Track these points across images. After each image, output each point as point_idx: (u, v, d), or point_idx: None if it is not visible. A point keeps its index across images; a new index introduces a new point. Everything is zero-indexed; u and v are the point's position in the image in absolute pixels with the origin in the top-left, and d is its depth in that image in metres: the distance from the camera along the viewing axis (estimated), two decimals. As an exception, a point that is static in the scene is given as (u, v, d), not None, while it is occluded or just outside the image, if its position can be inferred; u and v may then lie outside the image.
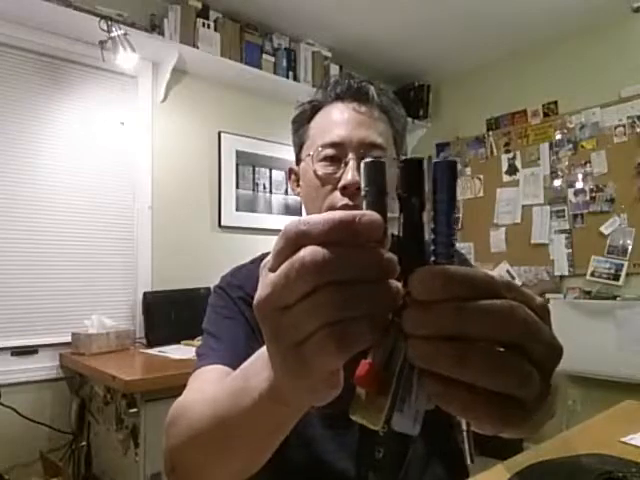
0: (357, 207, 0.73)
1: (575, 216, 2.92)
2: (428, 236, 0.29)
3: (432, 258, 0.28)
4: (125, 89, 2.40)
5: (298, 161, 0.87)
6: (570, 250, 2.93)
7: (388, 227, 0.28)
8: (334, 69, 3.07)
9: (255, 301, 0.29)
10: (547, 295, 2.96)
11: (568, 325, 2.75)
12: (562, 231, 2.97)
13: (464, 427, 0.29)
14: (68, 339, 2.05)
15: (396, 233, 0.30)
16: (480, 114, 3.38)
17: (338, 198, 0.75)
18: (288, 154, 2.40)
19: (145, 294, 2.29)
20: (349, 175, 0.73)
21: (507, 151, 3.26)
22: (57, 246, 2.13)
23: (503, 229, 3.23)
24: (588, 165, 2.88)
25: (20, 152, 2.07)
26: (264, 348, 0.35)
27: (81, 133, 2.24)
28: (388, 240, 0.28)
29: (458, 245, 3.31)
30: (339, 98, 0.80)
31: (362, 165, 0.30)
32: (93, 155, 2.27)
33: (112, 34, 2.06)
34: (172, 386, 1.47)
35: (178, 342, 2.14)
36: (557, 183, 3.02)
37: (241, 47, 2.67)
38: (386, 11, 2.72)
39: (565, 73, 2.99)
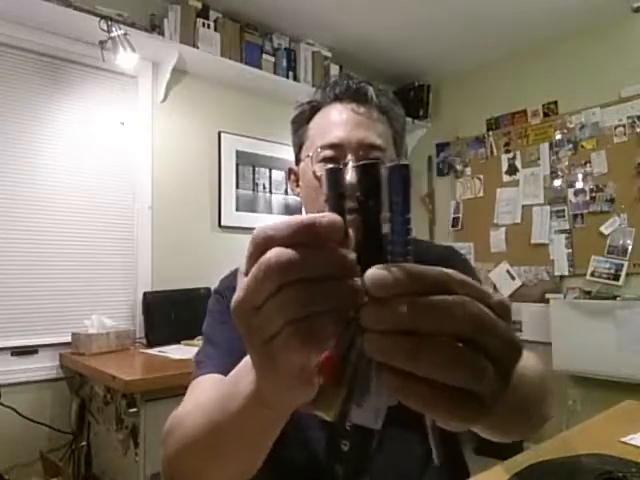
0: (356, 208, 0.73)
1: (575, 216, 2.92)
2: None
3: (389, 257, 0.29)
4: (125, 89, 2.40)
5: (297, 161, 0.87)
6: (570, 250, 2.93)
7: (349, 228, 0.30)
8: (334, 69, 3.07)
9: (231, 305, 0.30)
10: (547, 295, 2.96)
11: (568, 325, 2.75)
12: (562, 231, 2.97)
13: (428, 424, 0.30)
14: (68, 339, 2.05)
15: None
16: (480, 114, 3.38)
17: None
18: (288, 154, 2.40)
19: (145, 294, 2.29)
20: (348, 177, 0.74)
21: (507, 151, 3.26)
22: (57, 246, 2.13)
23: (503, 229, 3.23)
24: (588, 165, 2.88)
25: (20, 152, 2.07)
26: None
27: (81, 133, 2.24)
28: (350, 240, 0.30)
29: (458, 245, 3.32)
30: (338, 99, 0.80)
31: (324, 172, 0.32)
32: (93, 155, 2.27)
33: (112, 34, 2.06)
34: (172, 386, 1.47)
35: (178, 342, 2.14)
36: (557, 183, 3.02)
37: (241, 47, 2.67)
38: (386, 11, 2.72)
39: (565, 73, 2.99)
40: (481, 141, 3.39)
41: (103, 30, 2.06)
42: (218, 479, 0.51)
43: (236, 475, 0.50)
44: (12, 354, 1.99)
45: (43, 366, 2.05)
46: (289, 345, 0.28)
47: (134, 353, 2.07)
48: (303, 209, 0.85)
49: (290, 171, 0.89)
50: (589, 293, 2.80)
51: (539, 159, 3.10)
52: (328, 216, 0.28)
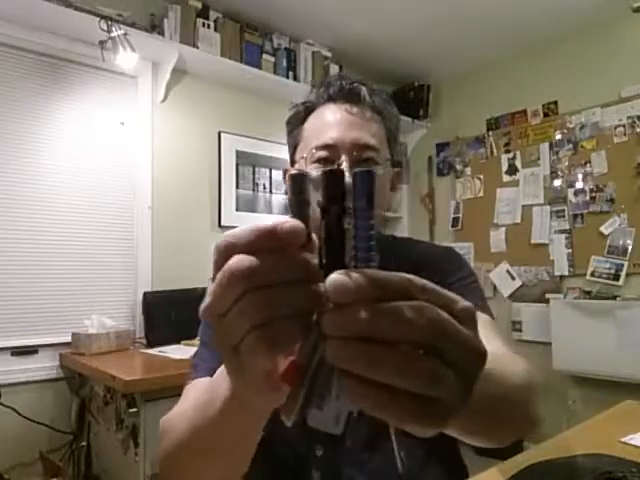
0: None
1: (575, 216, 2.92)
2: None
3: (353, 262, 0.29)
4: (125, 89, 2.40)
5: (292, 162, 0.87)
6: (570, 250, 2.93)
7: (312, 233, 0.30)
8: (334, 69, 3.07)
9: (200, 312, 0.31)
10: (547, 295, 2.96)
11: (568, 325, 2.75)
12: (562, 231, 2.97)
13: (391, 430, 0.30)
14: (68, 339, 2.05)
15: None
16: (480, 114, 3.38)
17: None
18: (288, 154, 2.40)
19: (145, 294, 2.29)
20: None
21: (507, 151, 3.26)
22: (57, 246, 2.13)
23: (503, 229, 3.23)
24: (588, 165, 2.88)
25: (20, 152, 2.07)
26: None
27: (81, 133, 2.24)
28: (314, 245, 0.30)
29: (458, 245, 3.32)
30: (331, 99, 0.80)
31: (287, 177, 0.32)
32: (93, 155, 2.27)
33: (112, 34, 2.06)
34: (172, 386, 1.47)
35: (178, 342, 2.14)
36: (557, 183, 3.02)
37: (241, 47, 2.67)
38: (386, 11, 2.72)
39: (565, 73, 2.99)
40: (481, 141, 3.39)
41: (103, 30, 2.06)
42: None
43: (223, 478, 0.52)
44: (12, 354, 1.99)
45: (43, 366, 2.05)
46: (254, 349, 0.29)
47: (134, 353, 2.07)
48: None
49: (285, 172, 0.89)
50: (589, 293, 2.80)
51: (539, 159, 3.09)
52: (290, 222, 0.29)
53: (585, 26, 2.85)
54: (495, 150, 3.32)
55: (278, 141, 2.80)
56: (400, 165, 0.91)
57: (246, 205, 2.78)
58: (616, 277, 2.73)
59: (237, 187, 2.75)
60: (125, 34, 2.08)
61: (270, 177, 2.89)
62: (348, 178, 0.30)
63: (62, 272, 2.14)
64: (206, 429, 0.47)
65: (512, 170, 3.22)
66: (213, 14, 2.59)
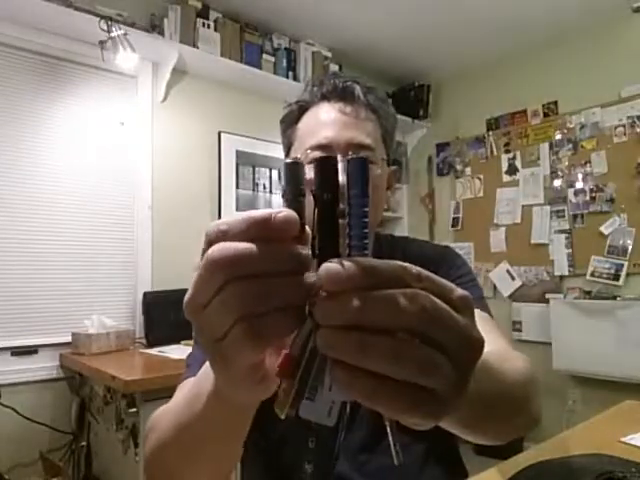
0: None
1: (575, 216, 2.92)
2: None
3: (347, 251, 0.29)
4: (125, 89, 2.40)
5: None
6: (570, 250, 2.93)
7: (306, 225, 0.29)
8: (334, 69, 3.07)
9: (183, 304, 0.30)
10: (547, 295, 2.96)
11: (568, 325, 2.75)
12: (562, 231, 2.97)
13: (386, 422, 0.29)
14: (68, 339, 2.05)
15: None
16: (480, 114, 3.38)
17: None
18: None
19: (145, 294, 2.29)
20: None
21: (507, 151, 3.26)
22: (57, 246, 2.13)
23: (503, 229, 3.23)
24: (588, 165, 2.88)
25: (20, 152, 2.07)
26: None
27: (81, 133, 2.24)
28: (307, 236, 0.29)
29: (458, 245, 3.32)
30: (325, 98, 0.79)
31: (282, 166, 0.32)
32: (93, 155, 2.27)
33: (112, 34, 2.06)
34: (172, 386, 1.46)
35: (178, 342, 2.14)
36: (557, 183, 3.02)
37: (241, 47, 2.67)
38: (386, 11, 2.72)
39: (565, 73, 2.99)
40: (481, 141, 3.39)
41: (103, 30, 2.06)
42: (192, 479, 0.53)
43: (211, 475, 0.52)
44: (12, 354, 1.99)
45: (43, 366, 2.05)
46: (238, 343, 0.28)
47: (134, 353, 2.07)
48: None
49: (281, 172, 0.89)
50: (589, 293, 2.80)
51: (539, 159, 3.10)
52: (283, 211, 0.28)
53: (585, 26, 2.85)
54: (495, 150, 3.32)
55: (278, 141, 2.76)
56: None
57: (246, 205, 2.78)
58: (616, 277, 2.73)
59: (237, 187, 2.75)
60: (125, 34, 2.08)
61: (270, 177, 2.89)
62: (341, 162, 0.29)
63: (62, 272, 2.14)
64: (193, 424, 0.47)
65: (512, 170, 3.22)
66: (213, 14, 2.59)
